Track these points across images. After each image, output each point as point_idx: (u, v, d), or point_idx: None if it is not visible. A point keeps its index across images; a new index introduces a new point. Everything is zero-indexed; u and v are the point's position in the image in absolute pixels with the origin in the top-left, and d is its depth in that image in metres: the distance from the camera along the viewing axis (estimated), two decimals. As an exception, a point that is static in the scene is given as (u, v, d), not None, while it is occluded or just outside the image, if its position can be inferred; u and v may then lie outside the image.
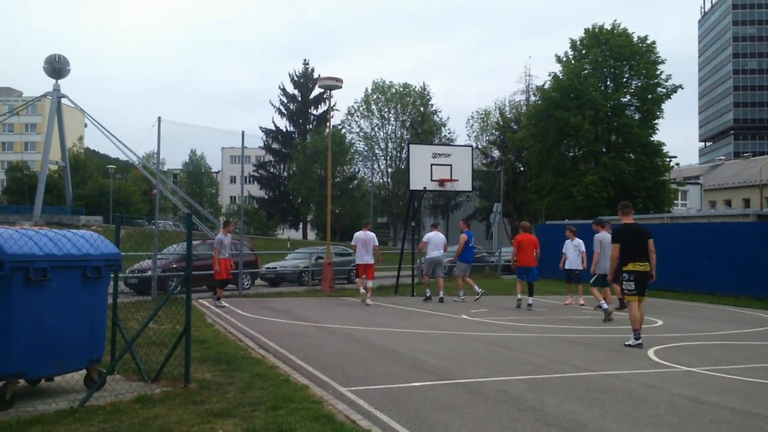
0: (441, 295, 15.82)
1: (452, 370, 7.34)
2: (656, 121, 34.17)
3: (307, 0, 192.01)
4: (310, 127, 65.67)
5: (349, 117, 61.89)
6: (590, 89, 32.95)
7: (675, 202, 39.04)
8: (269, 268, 23.32)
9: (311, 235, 68.79)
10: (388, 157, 61.22)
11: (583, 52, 34.82)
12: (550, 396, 6.13)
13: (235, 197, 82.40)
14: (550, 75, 35.70)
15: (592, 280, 13.45)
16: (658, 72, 33.62)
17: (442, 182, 17.77)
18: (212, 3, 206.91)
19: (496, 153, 51.42)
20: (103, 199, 67.58)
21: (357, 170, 63.37)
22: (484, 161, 51.68)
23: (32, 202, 58.21)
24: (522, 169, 46.53)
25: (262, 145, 65.25)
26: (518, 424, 5.20)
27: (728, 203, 63.80)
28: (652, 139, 33.72)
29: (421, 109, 59.43)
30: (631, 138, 33.04)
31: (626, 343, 9.16)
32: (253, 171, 64.54)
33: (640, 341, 9.04)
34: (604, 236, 13.36)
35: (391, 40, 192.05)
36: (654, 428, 5.17)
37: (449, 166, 17.74)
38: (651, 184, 33.13)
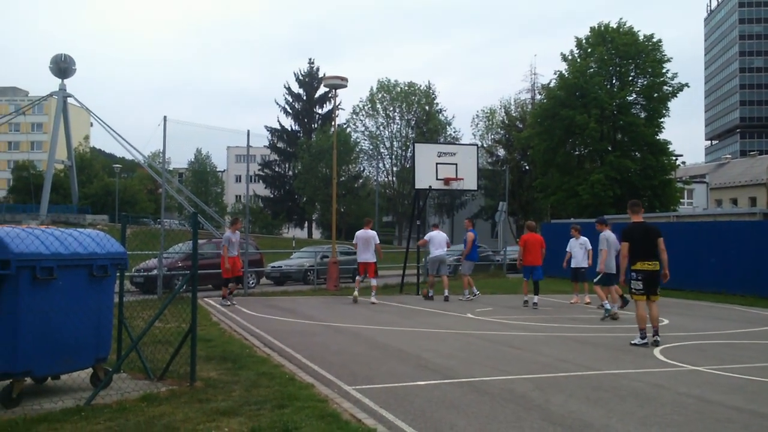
0: (446, 293, 15.83)
1: (458, 369, 7.34)
2: (662, 119, 34.01)
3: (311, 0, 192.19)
4: (316, 126, 65.65)
5: (355, 116, 62.07)
6: (596, 88, 32.82)
7: (681, 200, 38.80)
8: (274, 266, 23.34)
9: (316, 234, 68.81)
10: (393, 156, 61.29)
11: (589, 50, 34.70)
12: (555, 395, 6.12)
13: (240, 196, 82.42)
14: (555, 73, 35.67)
15: (596, 279, 13.42)
16: (664, 70, 33.48)
17: (447, 181, 17.75)
18: (215, 2, 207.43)
19: (501, 152, 51.47)
20: (109, 198, 67.81)
21: (362, 169, 63.43)
22: (489, 160, 51.69)
23: (38, 201, 58.47)
24: (527, 167, 46.50)
25: (267, 144, 65.26)
26: (524, 423, 5.20)
27: (734, 202, 63.48)
28: (658, 137, 33.56)
29: (426, 108, 59.44)
30: (637, 136, 32.92)
31: (632, 342, 9.14)
32: (259, 170, 64.56)
33: (646, 340, 9.02)
34: (609, 235, 13.31)
35: (394, 39, 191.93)
36: (660, 427, 5.16)
37: (454, 165, 17.72)
38: (657, 183, 32.97)
